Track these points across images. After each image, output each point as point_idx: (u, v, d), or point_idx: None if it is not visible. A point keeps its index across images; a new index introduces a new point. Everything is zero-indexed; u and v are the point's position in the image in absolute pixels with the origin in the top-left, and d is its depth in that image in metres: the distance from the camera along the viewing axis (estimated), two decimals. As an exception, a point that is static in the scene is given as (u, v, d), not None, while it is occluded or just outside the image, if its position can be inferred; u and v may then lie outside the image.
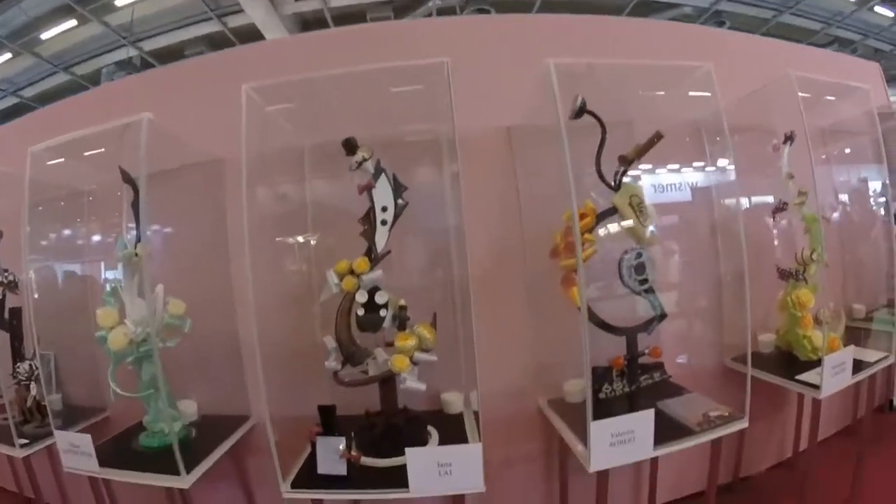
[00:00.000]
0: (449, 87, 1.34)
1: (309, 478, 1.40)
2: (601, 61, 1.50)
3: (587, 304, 1.51)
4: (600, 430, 1.37)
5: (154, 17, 7.62)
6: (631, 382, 1.63)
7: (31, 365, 2.05)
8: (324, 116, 1.66)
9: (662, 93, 1.77)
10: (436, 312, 1.49)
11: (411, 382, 1.38)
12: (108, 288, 1.79)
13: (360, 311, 1.41)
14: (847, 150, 2.53)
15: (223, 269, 1.89)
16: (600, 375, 1.62)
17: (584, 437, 1.43)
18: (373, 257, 1.44)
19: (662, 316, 1.59)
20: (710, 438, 1.53)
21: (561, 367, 1.82)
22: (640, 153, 1.53)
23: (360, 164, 1.42)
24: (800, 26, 8.19)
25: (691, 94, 1.76)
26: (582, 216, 1.51)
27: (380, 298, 1.40)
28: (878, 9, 7.70)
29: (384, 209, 1.43)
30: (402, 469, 1.32)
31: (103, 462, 1.55)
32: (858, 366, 1.88)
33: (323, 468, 1.38)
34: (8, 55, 7.65)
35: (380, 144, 1.49)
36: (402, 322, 1.43)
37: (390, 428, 1.49)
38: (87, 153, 1.90)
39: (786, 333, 2.02)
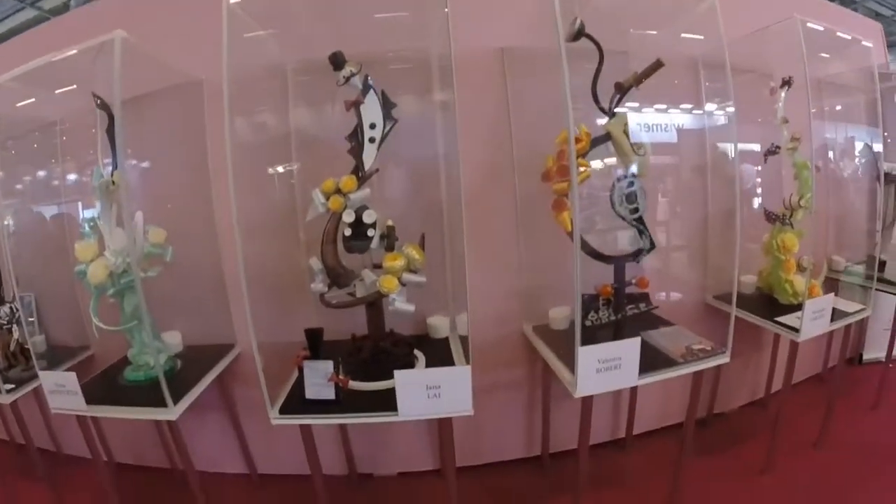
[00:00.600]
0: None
1: (297, 403, 1.40)
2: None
3: (570, 227, 1.51)
4: (587, 356, 1.39)
5: None
6: (617, 311, 1.66)
7: (11, 308, 2.00)
8: (307, 32, 1.57)
9: (663, 24, 1.72)
10: (424, 233, 1.48)
11: (400, 304, 1.37)
12: (86, 221, 1.73)
13: (348, 232, 1.38)
14: (842, 105, 2.52)
15: (204, 194, 1.83)
16: (587, 303, 1.63)
17: (570, 363, 1.46)
18: (360, 176, 1.40)
19: (651, 247, 1.60)
20: (692, 370, 1.56)
21: (547, 294, 1.86)
22: (639, 80, 1.50)
23: (347, 79, 1.35)
24: None
25: (693, 28, 1.72)
26: (576, 140, 1.48)
27: (367, 218, 1.37)
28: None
29: (372, 126, 1.38)
30: (391, 393, 1.32)
31: (90, 400, 1.53)
32: (835, 315, 1.93)
33: (311, 393, 1.37)
34: None
35: (366, 62, 1.41)
36: (390, 243, 1.40)
37: (377, 351, 1.50)
38: (57, 81, 1.79)
39: (768, 276, 2.07)
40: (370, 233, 1.38)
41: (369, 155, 1.40)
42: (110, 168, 1.65)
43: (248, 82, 1.55)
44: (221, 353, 1.85)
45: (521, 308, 1.89)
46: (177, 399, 1.49)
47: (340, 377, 1.37)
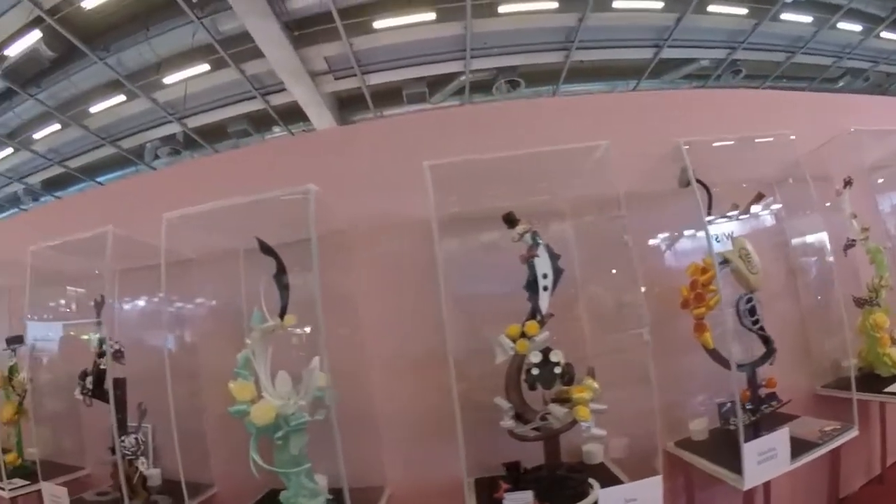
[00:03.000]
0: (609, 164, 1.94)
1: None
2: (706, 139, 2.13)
3: (713, 345, 2.10)
4: (751, 450, 1.92)
5: (200, 94, 9.05)
6: (754, 412, 2.20)
7: (136, 439, 2.34)
8: (481, 189, 2.17)
9: (742, 156, 2.42)
10: (593, 367, 1.98)
11: (595, 430, 1.83)
12: (240, 359, 2.09)
13: (535, 371, 1.89)
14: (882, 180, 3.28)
15: (353, 335, 2.30)
16: (727, 409, 2.21)
17: (728, 465, 1.99)
18: (540, 320, 1.93)
19: (775, 350, 2.19)
20: (832, 447, 2.12)
21: (679, 409, 2.36)
22: (745, 211, 2.17)
23: (522, 235, 1.93)
24: (812, 63, 9.99)
25: (766, 153, 2.44)
26: (704, 270, 2.12)
27: (555, 357, 1.86)
28: (883, 34, 9.37)
29: (545, 276, 1.93)
30: None
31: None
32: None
33: None
34: (57, 126, 9.43)
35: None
36: (570, 377, 1.91)
37: (558, 480, 1.94)
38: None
39: (867, 354, 2.64)
40: (556, 370, 1.89)
41: (544, 301, 1.94)
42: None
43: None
44: (373, 496, 2.21)
45: (658, 425, 2.27)
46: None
47: (541, 507, 1.82)
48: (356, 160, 2.44)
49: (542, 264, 1.95)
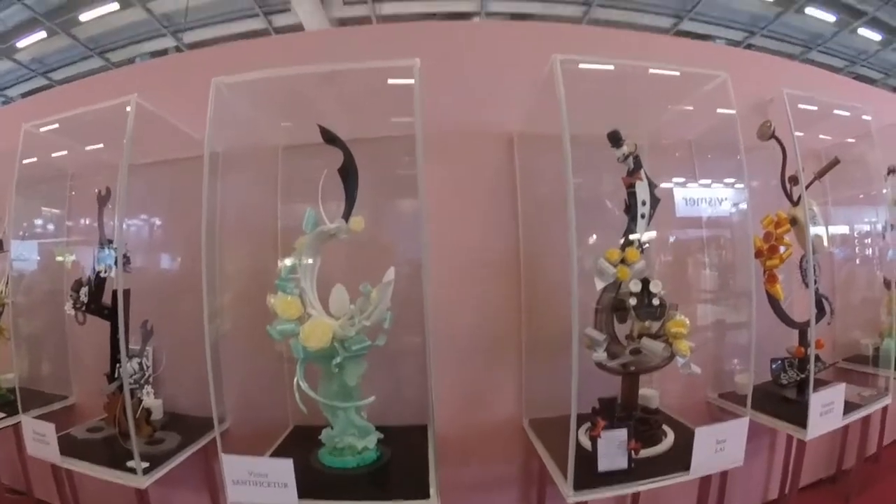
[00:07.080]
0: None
1: (590, 477, 1.62)
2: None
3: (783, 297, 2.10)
4: (817, 400, 1.95)
5: (199, 8, 8.46)
6: (802, 370, 2.22)
7: (140, 363, 1.95)
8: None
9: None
10: (676, 303, 1.90)
11: (694, 367, 1.74)
12: (284, 269, 1.82)
13: (633, 301, 1.77)
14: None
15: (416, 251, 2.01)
16: (778, 366, 2.24)
17: (784, 417, 2.05)
18: (639, 248, 1.80)
19: (832, 312, 2.25)
20: (876, 408, 2.26)
21: (722, 363, 2.38)
22: (819, 175, 2.21)
23: (626, 156, 1.81)
24: (825, 63, 10.09)
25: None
26: (779, 224, 2.13)
27: (654, 287, 1.75)
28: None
29: (643, 203, 1.83)
30: (661, 457, 1.75)
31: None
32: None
33: (604, 465, 1.64)
34: (42, 34, 8.58)
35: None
36: (662, 311, 1.81)
37: (640, 420, 1.83)
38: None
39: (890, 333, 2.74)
40: (655, 301, 1.78)
41: (641, 229, 1.84)
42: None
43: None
44: (417, 436, 1.96)
45: (705, 378, 2.32)
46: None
47: (632, 444, 1.69)
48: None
49: (643, 191, 1.85)
